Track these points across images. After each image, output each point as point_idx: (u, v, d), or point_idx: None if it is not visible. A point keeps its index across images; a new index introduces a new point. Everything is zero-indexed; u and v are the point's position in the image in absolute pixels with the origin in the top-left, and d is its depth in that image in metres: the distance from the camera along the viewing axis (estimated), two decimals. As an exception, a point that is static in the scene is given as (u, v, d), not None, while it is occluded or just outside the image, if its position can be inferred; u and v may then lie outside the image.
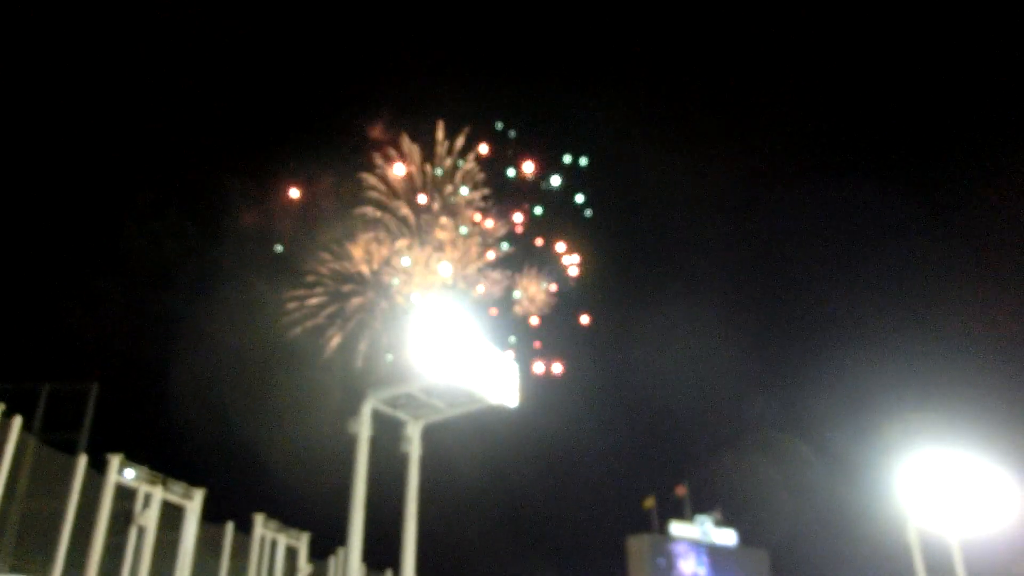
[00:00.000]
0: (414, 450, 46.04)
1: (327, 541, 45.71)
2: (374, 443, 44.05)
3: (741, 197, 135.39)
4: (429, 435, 49.27)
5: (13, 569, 26.53)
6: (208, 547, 35.41)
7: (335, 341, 54.41)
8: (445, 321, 40.98)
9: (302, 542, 42.83)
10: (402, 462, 46.45)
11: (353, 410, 42.92)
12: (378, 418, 45.33)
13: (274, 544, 40.59)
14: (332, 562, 44.92)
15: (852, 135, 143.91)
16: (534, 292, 57.52)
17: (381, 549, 48.77)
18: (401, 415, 45.71)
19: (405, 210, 55.00)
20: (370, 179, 54.37)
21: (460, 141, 55.99)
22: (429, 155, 56.00)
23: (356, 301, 53.99)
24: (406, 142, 55.81)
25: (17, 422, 23.68)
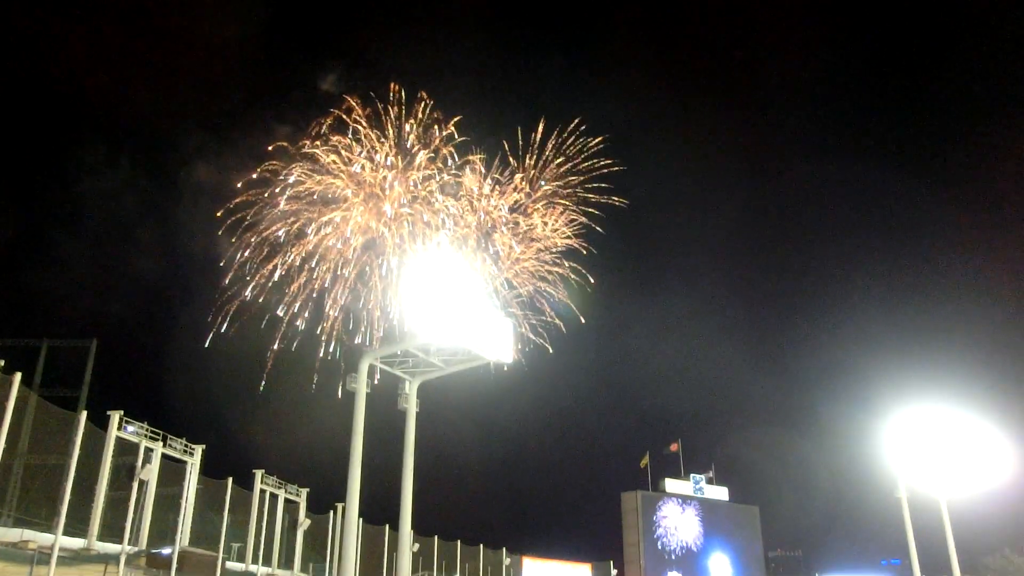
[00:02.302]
0: (411, 407, 46.57)
1: (326, 497, 46.55)
2: (373, 401, 44.52)
3: (738, 170, 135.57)
4: (427, 393, 49.74)
5: (18, 523, 26.90)
6: (209, 501, 35.94)
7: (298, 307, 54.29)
8: (439, 278, 41.09)
9: (301, 497, 43.51)
10: (400, 419, 47.02)
11: (351, 368, 43.34)
12: (376, 376, 45.72)
13: (274, 499, 41.22)
14: (331, 517, 45.66)
15: (847, 112, 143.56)
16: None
17: (380, 505, 49.68)
18: (399, 373, 46.15)
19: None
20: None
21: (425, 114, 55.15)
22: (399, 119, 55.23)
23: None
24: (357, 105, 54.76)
25: (17, 378, 23.74)
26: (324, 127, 53.75)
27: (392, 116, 54.52)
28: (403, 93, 54.82)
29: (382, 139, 54.19)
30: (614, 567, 75.16)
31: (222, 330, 51.37)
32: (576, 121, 57.21)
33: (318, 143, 53.20)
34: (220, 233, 52.29)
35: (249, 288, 53.28)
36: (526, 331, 56.91)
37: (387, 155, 53.48)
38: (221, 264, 51.58)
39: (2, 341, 49.05)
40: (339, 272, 54.54)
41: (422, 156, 54.22)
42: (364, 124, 53.76)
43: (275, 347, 53.90)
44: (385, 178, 53.86)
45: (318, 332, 54.02)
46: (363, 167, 53.30)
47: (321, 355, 55.50)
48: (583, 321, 57.18)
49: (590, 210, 57.76)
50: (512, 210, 56.89)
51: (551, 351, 57.13)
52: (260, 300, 53.52)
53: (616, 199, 57.16)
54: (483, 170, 55.89)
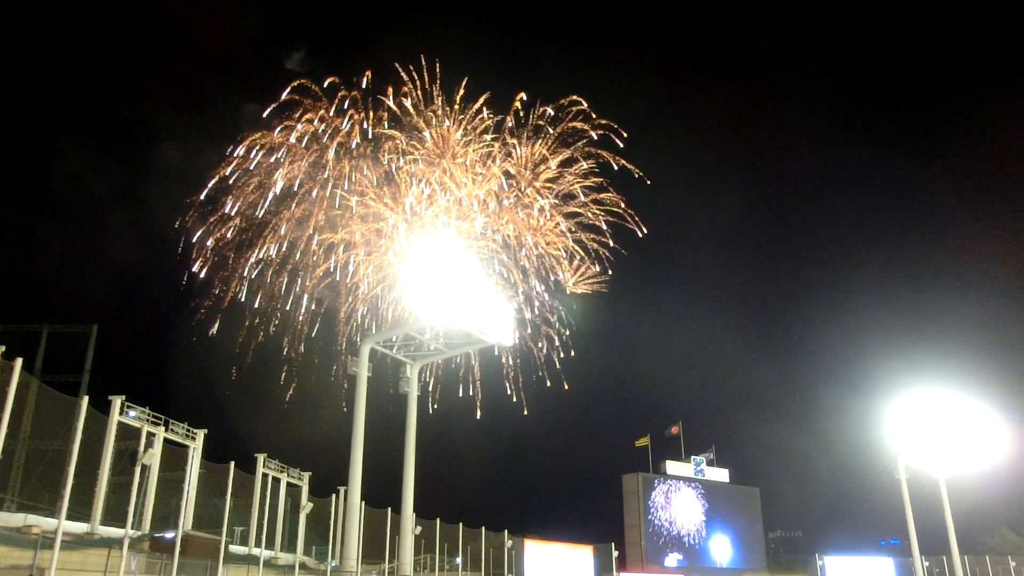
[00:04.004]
0: (412, 391, 46.70)
1: (329, 480, 46.69)
2: (375, 385, 44.60)
3: (739, 158, 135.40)
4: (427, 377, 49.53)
5: (21, 508, 26.95)
6: (211, 486, 36.02)
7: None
8: (440, 262, 41.02)
9: (304, 481, 43.61)
10: (402, 403, 47.11)
11: (353, 351, 43.37)
12: (378, 359, 45.70)
13: (276, 483, 41.31)
14: (334, 500, 45.78)
15: (847, 101, 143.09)
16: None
17: (382, 488, 49.89)
18: (400, 356, 46.20)
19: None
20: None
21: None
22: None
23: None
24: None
25: (18, 364, 23.66)
26: (308, 112, 53.51)
27: (360, 100, 54.09)
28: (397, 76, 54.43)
29: (355, 122, 53.82)
30: (615, 549, 75.43)
31: (198, 321, 51.42)
32: (568, 100, 56.81)
33: (291, 128, 52.85)
34: (191, 221, 52.25)
35: (237, 275, 53.28)
36: (530, 317, 57.00)
37: (355, 141, 53.12)
38: (196, 250, 51.60)
39: (3, 327, 49.13)
40: (331, 259, 54.39)
41: (395, 142, 53.87)
42: (329, 113, 53.38)
43: (264, 333, 54.00)
44: (360, 164, 53.54)
45: (299, 318, 54.05)
46: (329, 154, 52.97)
47: (318, 340, 55.51)
48: (568, 339, 57.44)
49: (594, 208, 57.44)
50: (511, 200, 56.65)
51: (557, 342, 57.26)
52: (248, 287, 53.48)
53: (626, 210, 56.72)
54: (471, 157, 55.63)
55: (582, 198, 56.46)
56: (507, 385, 56.58)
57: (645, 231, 56.99)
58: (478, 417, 57.16)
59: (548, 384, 59.06)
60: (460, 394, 55.73)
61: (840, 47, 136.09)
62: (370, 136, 52.94)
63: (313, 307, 52.99)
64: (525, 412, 56.87)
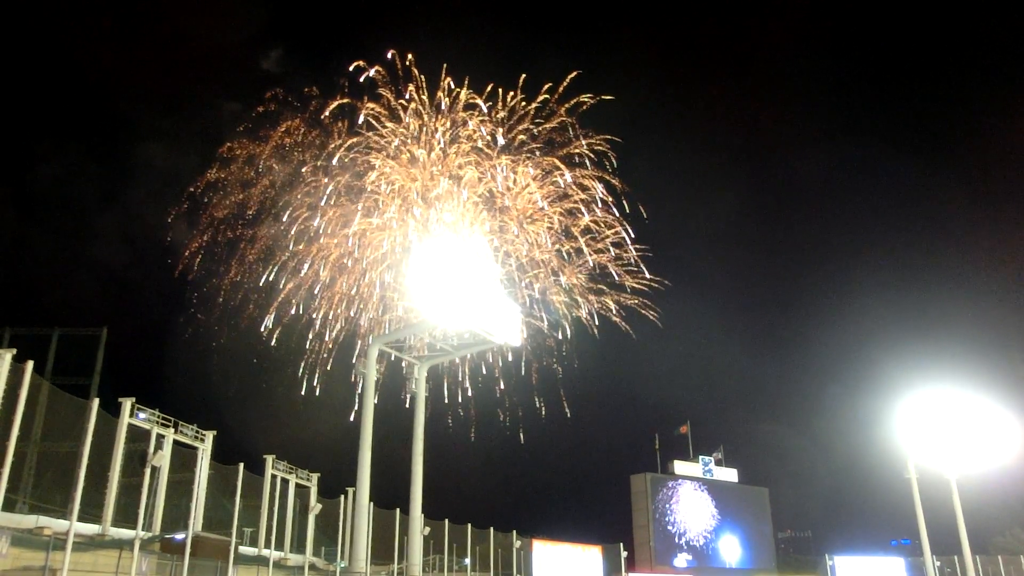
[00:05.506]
0: (420, 391, 46.75)
1: (337, 481, 46.83)
2: (383, 386, 44.68)
3: (741, 155, 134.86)
4: (436, 377, 49.48)
5: (33, 509, 27.10)
6: (221, 487, 36.16)
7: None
8: (448, 262, 41.07)
9: (312, 482, 43.73)
10: (410, 404, 47.14)
11: (361, 353, 43.45)
12: (386, 361, 45.72)
13: (285, 484, 41.44)
14: (342, 501, 45.90)
15: (849, 98, 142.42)
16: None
17: (390, 489, 49.93)
18: (408, 357, 46.27)
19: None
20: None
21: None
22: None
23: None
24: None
25: (29, 367, 23.84)
26: (288, 121, 53.91)
27: (345, 107, 54.42)
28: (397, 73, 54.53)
29: (339, 131, 54.16)
30: (624, 549, 75.35)
31: (191, 333, 51.68)
32: (555, 106, 56.83)
33: (272, 138, 53.20)
34: (178, 231, 52.76)
35: (230, 283, 53.63)
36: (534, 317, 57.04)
37: (339, 151, 53.39)
38: (185, 259, 52.06)
39: (14, 330, 49.57)
40: (342, 259, 54.60)
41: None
42: (307, 123, 53.70)
43: (267, 337, 54.30)
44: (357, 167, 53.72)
45: (301, 324, 54.32)
46: (308, 166, 53.29)
47: (327, 342, 55.71)
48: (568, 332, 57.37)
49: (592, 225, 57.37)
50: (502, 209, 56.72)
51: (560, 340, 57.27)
52: (245, 296, 53.82)
53: (627, 242, 56.56)
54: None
55: (579, 216, 56.62)
56: (501, 415, 56.89)
57: (649, 276, 57.14)
58: (472, 439, 57.55)
59: (551, 396, 59.32)
60: (451, 425, 56.22)
61: (842, 45, 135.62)
62: (353, 142, 53.38)
63: (312, 313, 53.36)
64: (522, 439, 57.38)
